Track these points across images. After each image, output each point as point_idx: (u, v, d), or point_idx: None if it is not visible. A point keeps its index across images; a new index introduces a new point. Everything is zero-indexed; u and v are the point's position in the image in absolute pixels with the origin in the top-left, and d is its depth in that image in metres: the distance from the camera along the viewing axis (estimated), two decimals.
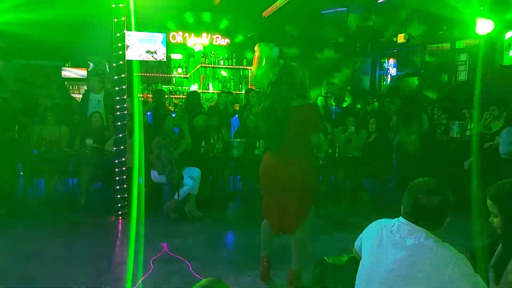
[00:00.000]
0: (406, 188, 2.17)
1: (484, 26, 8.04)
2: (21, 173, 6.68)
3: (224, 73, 10.79)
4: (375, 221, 2.31)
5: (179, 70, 10.60)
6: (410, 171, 7.12)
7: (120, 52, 5.79)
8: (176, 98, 10.18)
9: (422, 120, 7.20)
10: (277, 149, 3.72)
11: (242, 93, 9.96)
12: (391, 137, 7.53)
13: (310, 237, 4.01)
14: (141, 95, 9.21)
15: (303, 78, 3.73)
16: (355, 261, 2.41)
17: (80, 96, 8.31)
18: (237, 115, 8.19)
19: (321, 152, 3.98)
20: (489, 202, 2.26)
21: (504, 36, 8.05)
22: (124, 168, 5.87)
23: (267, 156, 3.88)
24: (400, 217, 2.18)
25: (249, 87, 10.35)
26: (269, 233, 4.01)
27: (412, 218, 2.11)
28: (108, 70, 10.36)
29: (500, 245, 2.27)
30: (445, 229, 2.13)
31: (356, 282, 2.26)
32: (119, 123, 5.83)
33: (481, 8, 8.02)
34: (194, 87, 10.32)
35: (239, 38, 11.14)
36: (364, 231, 2.35)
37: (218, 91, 10.06)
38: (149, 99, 9.08)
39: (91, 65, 10.50)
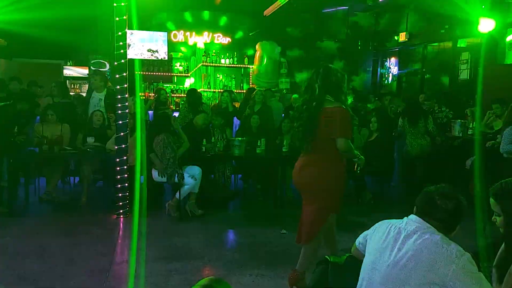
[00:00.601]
0: (423, 190, 2.19)
1: (486, 25, 8.02)
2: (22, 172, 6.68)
3: (220, 76, 10.78)
4: (384, 220, 2.31)
5: (180, 68, 10.60)
6: (416, 172, 7.17)
7: (122, 51, 5.79)
8: (177, 97, 10.18)
9: (428, 120, 7.20)
10: (307, 149, 3.70)
11: (243, 92, 9.93)
12: (395, 136, 7.52)
13: (321, 243, 3.94)
14: (142, 94, 9.21)
15: (339, 81, 3.65)
16: (355, 260, 2.42)
17: (83, 94, 8.31)
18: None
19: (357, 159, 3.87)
20: (492, 201, 2.25)
21: (506, 34, 8.03)
22: (125, 167, 5.88)
23: (299, 157, 3.84)
24: (411, 215, 2.19)
25: (251, 85, 10.36)
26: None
27: (424, 216, 2.13)
28: (107, 69, 10.38)
29: (503, 244, 2.27)
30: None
31: (360, 277, 2.27)
32: (120, 122, 5.83)
33: (483, 6, 8.00)
34: (188, 82, 10.26)
35: (241, 37, 11.14)
36: (370, 229, 2.35)
37: (220, 90, 10.06)
38: (151, 97, 9.08)
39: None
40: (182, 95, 10.07)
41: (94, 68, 10.36)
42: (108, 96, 7.13)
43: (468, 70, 9.11)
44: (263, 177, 7.24)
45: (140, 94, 7.06)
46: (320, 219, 3.71)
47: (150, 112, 8.05)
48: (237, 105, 8.72)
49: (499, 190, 2.23)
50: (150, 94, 9.60)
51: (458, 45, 9.52)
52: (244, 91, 9.81)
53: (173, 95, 10.22)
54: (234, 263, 4.47)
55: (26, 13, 8.18)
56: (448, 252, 1.98)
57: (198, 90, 8.95)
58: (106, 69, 10.57)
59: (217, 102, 8.96)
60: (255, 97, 8.01)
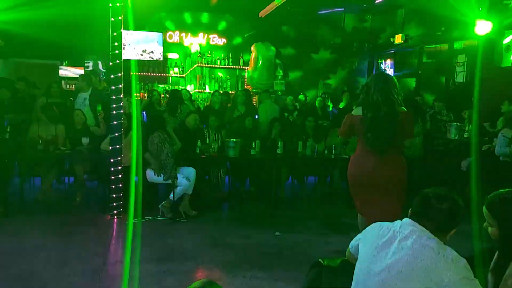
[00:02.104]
0: (419, 192, 2.18)
1: (482, 27, 8.03)
2: (17, 172, 6.64)
3: (220, 74, 10.77)
4: (376, 223, 2.29)
5: (176, 69, 10.57)
6: (412, 174, 7.16)
7: (117, 51, 5.76)
8: None
9: (425, 121, 7.21)
10: (381, 150, 4.06)
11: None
12: None
13: None
14: (137, 95, 9.17)
15: (398, 87, 4.13)
16: (349, 264, 2.40)
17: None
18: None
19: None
20: (485, 211, 2.22)
21: (503, 37, 8.04)
22: (119, 167, 5.85)
23: (367, 157, 4.13)
24: (405, 218, 2.18)
25: (246, 87, 10.33)
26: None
27: (419, 218, 2.11)
28: (101, 69, 10.35)
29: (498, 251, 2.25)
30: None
31: (353, 281, 2.24)
32: (115, 122, 5.80)
33: (480, 8, 8.01)
34: (190, 87, 10.28)
35: (236, 38, 11.13)
36: (362, 232, 2.34)
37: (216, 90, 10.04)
38: (145, 98, 9.04)
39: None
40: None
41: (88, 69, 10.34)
42: (92, 94, 7.17)
43: (465, 72, 9.12)
44: (257, 178, 7.23)
45: (135, 94, 7.05)
46: (400, 209, 4.02)
47: (143, 112, 8.02)
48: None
49: (493, 202, 2.19)
50: (145, 95, 9.57)
51: (454, 47, 9.53)
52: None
53: (167, 95, 10.17)
54: (228, 265, 4.45)
55: (22, 13, 8.14)
56: (444, 257, 1.96)
57: (192, 92, 8.95)
58: (101, 69, 10.55)
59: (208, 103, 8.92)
60: (238, 98, 8.02)
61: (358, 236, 2.37)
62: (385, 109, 4.00)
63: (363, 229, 3.89)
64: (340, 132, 4.53)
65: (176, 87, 10.01)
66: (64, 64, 10.73)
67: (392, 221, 3.70)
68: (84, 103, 7.27)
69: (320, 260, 2.64)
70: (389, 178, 4.08)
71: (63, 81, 10.40)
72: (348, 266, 2.40)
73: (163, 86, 10.32)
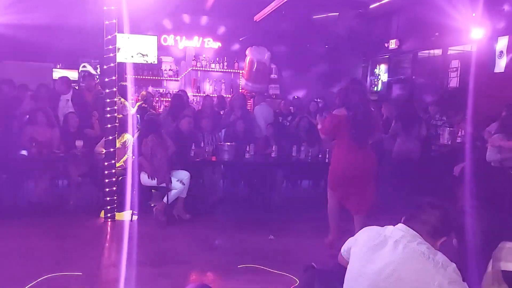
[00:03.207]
0: (414, 199, 2.28)
1: (476, 33, 8.10)
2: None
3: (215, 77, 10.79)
4: (366, 227, 2.32)
5: (170, 73, 10.56)
6: (402, 175, 7.23)
7: (111, 54, 5.76)
8: (166, 101, 10.14)
9: (421, 125, 7.27)
10: (362, 144, 4.75)
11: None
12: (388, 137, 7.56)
13: None
14: (132, 98, 9.16)
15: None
16: (342, 267, 2.42)
17: None
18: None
19: None
20: None
21: (496, 43, 8.11)
22: (113, 171, 5.84)
23: (351, 151, 4.73)
24: (398, 224, 2.23)
25: (241, 90, 10.34)
26: (338, 214, 5.04)
27: (412, 222, 2.17)
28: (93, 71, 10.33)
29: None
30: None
31: (344, 284, 2.26)
32: (109, 125, 5.79)
33: (474, 15, 8.08)
34: (177, 85, 10.21)
35: (231, 42, 11.14)
36: (353, 237, 2.36)
37: (209, 94, 10.04)
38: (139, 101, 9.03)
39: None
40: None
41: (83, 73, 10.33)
42: (74, 95, 7.20)
43: (458, 78, 9.18)
44: (251, 182, 7.24)
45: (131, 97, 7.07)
46: (374, 197, 4.90)
47: (137, 115, 8.01)
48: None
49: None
50: (139, 98, 9.56)
51: (448, 53, 9.59)
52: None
53: (162, 98, 10.19)
54: (221, 268, 4.45)
55: (15, 16, 8.13)
56: (434, 262, 1.99)
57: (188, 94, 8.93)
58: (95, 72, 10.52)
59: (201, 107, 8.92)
60: (234, 102, 8.04)
61: (350, 239, 2.39)
62: (363, 108, 4.66)
63: (334, 216, 4.86)
64: (324, 131, 4.90)
65: (175, 90, 10.01)
66: (58, 66, 10.68)
67: (367, 207, 4.56)
68: (68, 105, 7.28)
69: (313, 264, 2.66)
70: (370, 169, 4.81)
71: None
72: (341, 270, 2.41)
73: (157, 89, 10.33)
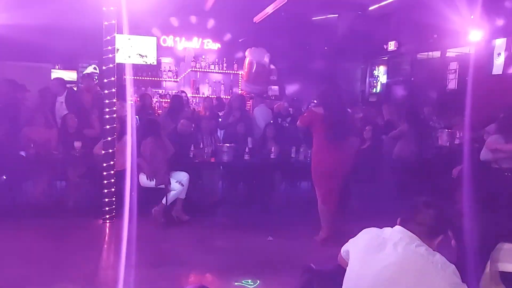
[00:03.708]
0: (409, 200, 2.28)
1: (474, 35, 8.12)
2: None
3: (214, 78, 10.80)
4: (365, 229, 2.33)
5: (170, 74, 10.57)
6: (403, 177, 7.27)
7: (110, 55, 5.75)
8: (166, 102, 10.14)
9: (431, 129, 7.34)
10: (340, 142, 5.10)
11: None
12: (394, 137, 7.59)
13: None
14: (131, 99, 9.16)
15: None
16: (341, 268, 2.42)
17: None
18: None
19: None
20: None
21: (494, 45, 8.13)
22: (112, 172, 5.83)
23: (330, 149, 5.08)
24: (396, 226, 2.24)
25: (240, 92, 10.35)
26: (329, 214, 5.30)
27: (408, 223, 2.18)
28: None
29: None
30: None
31: (343, 286, 2.26)
32: (108, 126, 5.79)
33: (472, 17, 8.10)
34: (176, 86, 10.19)
35: (230, 43, 11.14)
36: (353, 238, 2.37)
37: (208, 95, 10.06)
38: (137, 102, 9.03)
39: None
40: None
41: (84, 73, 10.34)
42: (67, 96, 7.22)
43: (456, 80, 9.20)
44: (250, 183, 7.23)
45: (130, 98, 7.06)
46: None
47: (136, 117, 8.01)
48: None
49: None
50: (138, 99, 9.56)
51: (446, 55, 9.62)
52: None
53: (161, 99, 10.19)
54: (220, 270, 4.45)
55: (14, 17, 8.12)
56: (433, 264, 2.00)
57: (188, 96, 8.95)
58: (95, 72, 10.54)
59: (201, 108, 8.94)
60: (233, 103, 8.04)
61: (350, 241, 2.40)
62: (338, 109, 5.07)
63: (325, 216, 5.15)
64: (301, 120, 5.43)
65: (174, 91, 10.02)
66: (57, 67, 10.69)
67: (335, 202, 4.99)
68: (62, 106, 7.28)
69: (311, 265, 2.66)
70: (347, 165, 5.21)
71: None
72: (339, 271, 2.42)
73: (156, 90, 10.33)
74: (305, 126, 5.44)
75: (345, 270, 2.31)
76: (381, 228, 2.29)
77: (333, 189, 5.20)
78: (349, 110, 5.28)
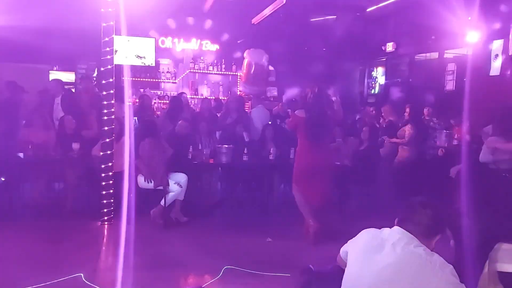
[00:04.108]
0: (406, 200, 2.30)
1: (471, 36, 8.14)
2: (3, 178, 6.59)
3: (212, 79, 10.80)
4: (364, 230, 2.34)
5: (168, 75, 10.56)
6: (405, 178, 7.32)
7: (109, 57, 5.75)
8: (164, 103, 10.13)
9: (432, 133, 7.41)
10: (322, 143, 5.36)
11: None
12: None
13: None
14: (129, 100, 9.16)
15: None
16: (340, 269, 2.42)
17: None
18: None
19: None
20: None
21: (491, 46, 8.15)
22: (110, 173, 5.82)
23: (311, 149, 5.33)
24: (394, 226, 2.25)
25: (239, 93, 10.35)
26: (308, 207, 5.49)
27: (406, 224, 2.20)
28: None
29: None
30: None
31: (343, 287, 2.27)
32: (106, 128, 5.78)
33: (469, 18, 8.12)
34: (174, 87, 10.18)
35: (229, 44, 11.15)
36: (352, 239, 2.37)
37: (207, 97, 10.05)
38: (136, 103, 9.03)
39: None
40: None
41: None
42: (63, 97, 7.26)
43: (454, 80, 9.22)
44: (249, 184, 7.23)
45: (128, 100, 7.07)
46: (330, 188, 5.59)
47: (135, 118, 8.01)
48: None
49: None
50: (137, 100, 9.56)
51: (444, 56, 9.64)
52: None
53: (160, 101, 10.18)
54: (219, 271, 4.44)
55: (12, 18, 8.11)
56: (432, 264, 2.01)
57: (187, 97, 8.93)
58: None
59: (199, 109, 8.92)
60: (230, 105, 8.04)
61: (348, 242, 2.40)
62: (319, 111, 5.28)
63: (305, 209, 5.44)
64: (287, 125, 5.89)
65: (173, 92, 10.01)
66: (55, 69, 10.68)
67: (325, 197, 5.24)
68: (58, 108, 7.31)
69: (310, 266, 2.66)
70: (327, 164, 5.41)
71: None
72: (338, 272, 2.42)
73: (155, 91, 10.32)
74: (290, 129, 5.73)
75: (344, 271, 2.32)
76: (379, 228, 2.29)
77: (314, 187, 5.38)
78: (329, 112, 5.39)
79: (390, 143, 7.70)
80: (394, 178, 7.37)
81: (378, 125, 8.51)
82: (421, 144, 7.54)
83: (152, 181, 5.90)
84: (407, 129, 7.44)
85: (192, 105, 10.02)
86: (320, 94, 5.40)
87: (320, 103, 5.34)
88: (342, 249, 2.47)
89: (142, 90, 9.95)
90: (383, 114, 8.50)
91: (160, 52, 9.93)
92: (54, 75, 10.47)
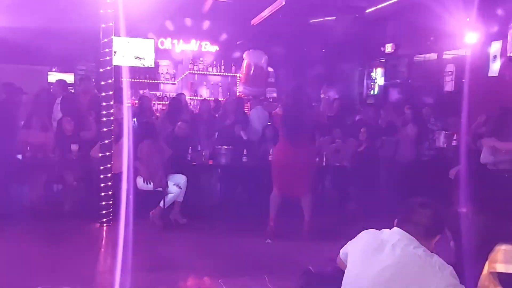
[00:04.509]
0: (405, 201, 2.31)
1: (470, 37, 8.15)
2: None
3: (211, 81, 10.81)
4: (364, 231, 2.33)
5: (167, 76, 10.56)
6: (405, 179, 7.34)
7: (108, 58, 5.75)
8: (163, 105, 10.13)
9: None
10: (296, 141, 5.37)
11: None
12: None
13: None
14: (128, 101, 9.15)
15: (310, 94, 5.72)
16: (339, 271, 2.42)
17: None
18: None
19: None
20: None
21: (490, 47, 8.16)
22: (109, 175, 5.81)
23: (286, 146, 5.46)
24: (394, 227, 2.25)
25: (238, 94, 10.35)
26: (278, 203, 5.65)
27: (405, 224, 2.20)
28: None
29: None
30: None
31: None
32: (105, 129, 5.78)
33: (468, 19, 8.13)
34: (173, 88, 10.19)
35: (228, 46, 11.15)
36: (352, 240, 2.37)
37: (206, 98, 10.04)
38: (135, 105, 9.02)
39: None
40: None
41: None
42: (63, 100, 7.28)
43: (453, 81, 9.22)
44: (248, 186, 7.23)
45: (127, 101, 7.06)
46: (309, 187, 5.66)
47: (134, 119, 8.01)
48: None
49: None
50: (136, 102, 9.55)
51: (443, 57, 9.64)
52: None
53: (159, 102, 10.18)
54: (218, 273, 4.43)
55: (11, 19, 8.12)
56: (431, 265, 2.01)
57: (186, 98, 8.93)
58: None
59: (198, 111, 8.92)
60: (227, 106, 8.03)
61: (348, 243, 2.40)
62: (295, 109, 5.34)
63: (274, 204, 5.62)
64: (272, 123, 6.13)
65: (172, 94, 10.00)
66: (54, 70, 10.66)
67: (306, 191, 5.50)
68: (57, 108, 7.32)
69: (310, 268, 2.66)
70: (303, 163, 5.41)
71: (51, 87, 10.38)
72: (338, 273, 2.41)
73: (154, 92, 10.32)
74: (275, 126, 5.98)
75: (344, 272, 2.31)
76: (379, 229, 2.29)
77: (286, 181, 5.52)
78: (305, 111, 5.42)
79: (389, 144, 7.72)
80: (394, 179, 7.39)
81: (376, 126, 8.50)
82: (421, 145, 7.57)
83: (151, 183, 5.90)
84: None
85: (191, 106, 10.04)
86: (297, 93, 5.48)
87: (297, 102, 5.40)
88: (341, 251, 2.46)
89: (143, 91, 9.94)
90: (382, 115, 8.51)
91: (159, 53, 9.94)
92: (53, 76, 10.45)
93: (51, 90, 7.97)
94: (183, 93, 9.26)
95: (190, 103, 10.17)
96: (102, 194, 5.81)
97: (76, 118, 6.89)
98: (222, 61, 10.76)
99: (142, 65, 6.44)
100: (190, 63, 10.49)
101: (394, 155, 7.58)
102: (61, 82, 7.90)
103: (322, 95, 5.80)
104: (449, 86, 9.34)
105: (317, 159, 6.40)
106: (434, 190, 6.67)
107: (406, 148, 7.46)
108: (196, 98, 10.47)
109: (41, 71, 10.53)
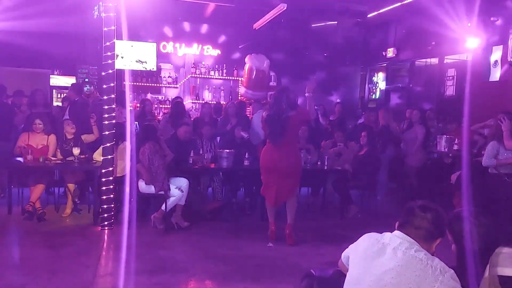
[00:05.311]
0: (406, 204, 2.30)
1: (471, 43, 8.18)
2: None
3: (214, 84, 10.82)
4: (366, 234, 2.34)
5: (169, 80, 10.58)
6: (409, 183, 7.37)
7: (110, 61, 5.77)
8: (165, 108, 10.15)
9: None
10: (279, 143, 5.38)
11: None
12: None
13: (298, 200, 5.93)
14: (130, 105, 9.17)
15: (295, 97, 5.56)
16: (341, 274, 2.43)
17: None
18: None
19: None
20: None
21: (491, 53, 8.19)
22: (111, 178, 5.82)
23: (271, 149, 5.49)
24: (395, 231, 2.25)
25: (239, 98, 10.36)
26: (273, 208, 5.66)
27: (406, 228, 2.20)
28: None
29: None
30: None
31: None
32: (107, 132, 5.79)
33: (469, 25, 8.16)
34: (176, 92, 10.23)
35: (230, 49, 11.17)
36: (353, 243, 2.37)
37: (208, 101, 10.05)
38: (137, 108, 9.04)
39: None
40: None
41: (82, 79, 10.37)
42: (72, 105, 7.33)
43: (454, 86, 9.24)
44: (250, 189, 7.23)
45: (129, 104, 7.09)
46: (295, 188, 5.73)
47: (136, 123, 8.02)
48: None
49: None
50: (138, 105, 9.57)
51: (444, 62, 9.67)
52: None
53: (161, 106, 10.20)
54: (220, 276, 4.44)
55: (13, 23, 8.15)
56: (432, 268, 2.01)
57: (186, 102, 8.94)
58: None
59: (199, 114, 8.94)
60: (229, 110, 8.04)
61: (350, 246, 2.41)
62: (278, 112, 5.33)
63: (269, 209, 5.63)
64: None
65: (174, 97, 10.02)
66: (56, 73, 10.69)
67: (286, 196, 5.54)
68: (66, 113, 7.35)
69: (311, 271, 2.66)
70: (287, 165, 5.41)
71: (54, 90, 10.41)
72: (339, 277, 2.42)
73: (156, 96, 10.34)
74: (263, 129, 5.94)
75: (345, 275, 2.32)
76: (381, 233, 2.29)
77: (271, 183, 5.53)
78: (289, 114, 5.34)
79: (391, 148, 7.76)
80: (399, 183, 7.44)
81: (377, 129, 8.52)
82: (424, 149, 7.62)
83: (153, 186, 5.90)
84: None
85: (193, 110, 10.05)
86: (279, 95, 5.47)
87: (278, 104, 5.38)
88: (343, 254, 2.47)
89: (143, 95, 9.96)
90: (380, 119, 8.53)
91: (161, 57, 9.96)
92: (55, 79, 10.49)
93: (66, 94, 8.02)
94: (179, 97, 9.27)
95: (192, 107, 10.19)
96: (104, 197, 5.81)
97: (82, 122, 6.91)
98: (224, 64, 10.77)
99: (144, 69, 6.46)
100: (192, 67, 10.50)
101: (394, 159, 7.60)
102: (76, 86, 7.92)
103: (306, 94, 5.72)
104: (450, 90, 9.36)
105: (303, 163, 6.34)
106: (435, 193, 6.71)
107: (415, 150, 7.53)
108: (198, 101, 10.48)
109: (43, 74, 10.57)
